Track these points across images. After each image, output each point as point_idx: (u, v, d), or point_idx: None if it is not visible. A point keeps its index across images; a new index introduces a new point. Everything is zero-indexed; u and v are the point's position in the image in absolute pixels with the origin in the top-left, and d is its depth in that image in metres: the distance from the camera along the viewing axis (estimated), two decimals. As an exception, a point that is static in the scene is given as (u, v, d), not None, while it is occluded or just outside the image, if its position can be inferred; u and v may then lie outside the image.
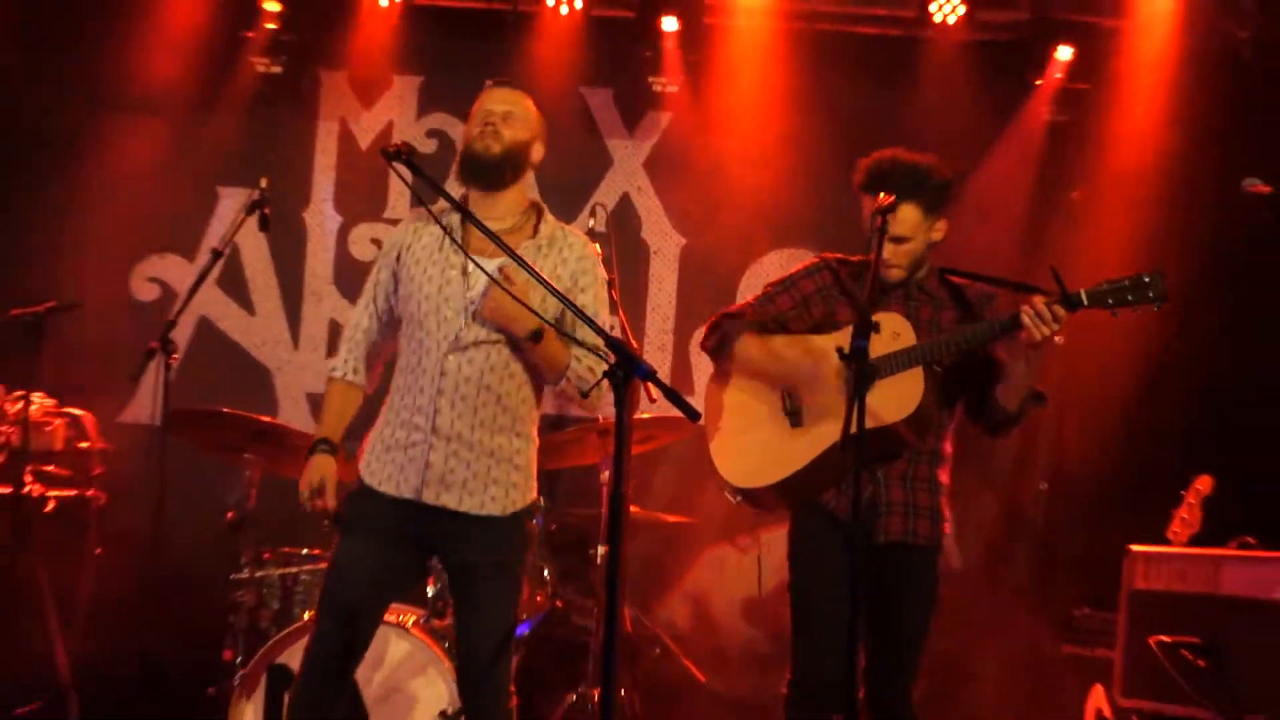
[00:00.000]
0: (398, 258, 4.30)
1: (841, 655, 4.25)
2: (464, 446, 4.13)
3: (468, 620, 4.27)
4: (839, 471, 4.27)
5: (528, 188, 4.35)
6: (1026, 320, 4.04)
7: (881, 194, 4.14)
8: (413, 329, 4.22)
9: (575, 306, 3.86)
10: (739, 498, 4.46)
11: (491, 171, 4.19)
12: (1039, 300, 4.03)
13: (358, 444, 4.32)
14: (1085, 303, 4.05)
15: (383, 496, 4.19)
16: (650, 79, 6.95)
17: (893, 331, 4.17)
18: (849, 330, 4.25)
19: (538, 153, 4.33)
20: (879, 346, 4.10)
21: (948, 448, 4.43)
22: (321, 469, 4.23)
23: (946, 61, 6.73)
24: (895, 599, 4.27)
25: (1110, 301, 4.05)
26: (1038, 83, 6.76)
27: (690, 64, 6.90)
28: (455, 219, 4.22)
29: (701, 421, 4.36)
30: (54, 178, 6.82)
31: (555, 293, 3.77)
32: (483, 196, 4.23)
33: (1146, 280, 4.03)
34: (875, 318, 4.13)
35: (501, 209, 4.21)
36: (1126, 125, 6.64)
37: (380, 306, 4.34)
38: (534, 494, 4.32)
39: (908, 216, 4.29)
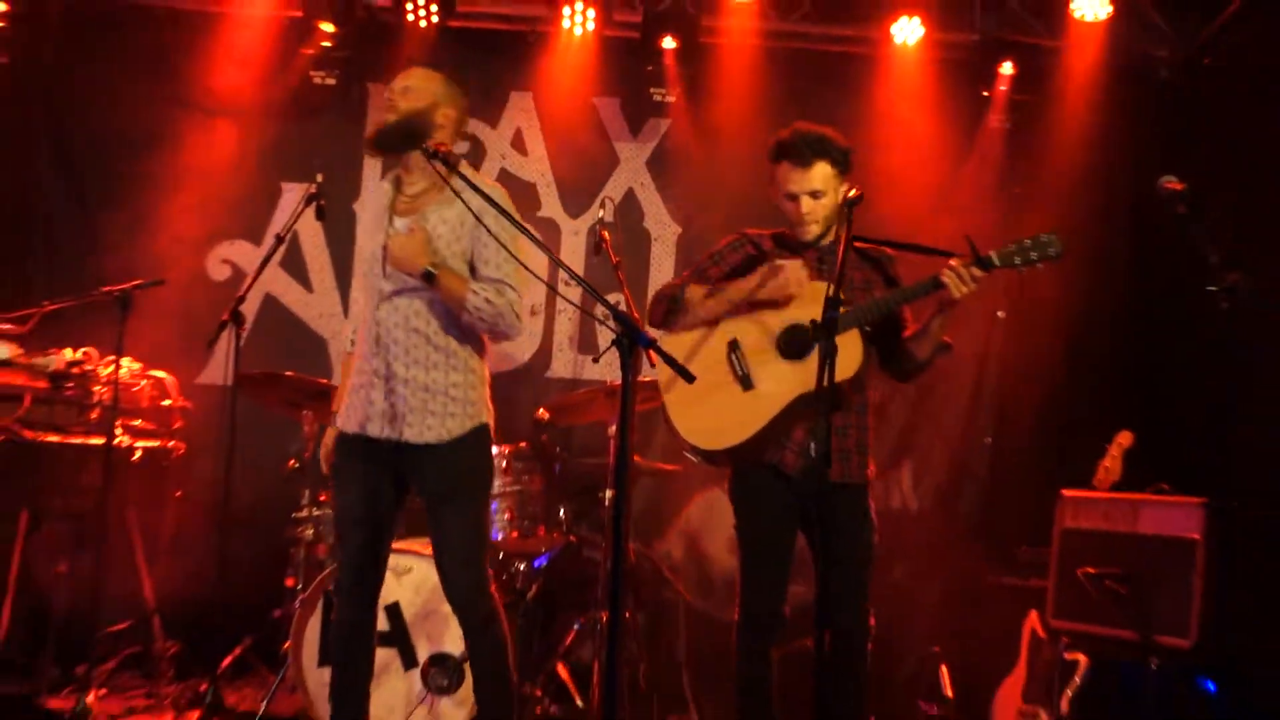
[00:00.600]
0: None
1: (782, 591, 4.30)
2: (400, 384, 4.14)
3: (434, 538, 4.28)
4: (786, 427, 4.25)
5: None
6: (947, 281, 4.04)
7: (853, 190, 4.11)
8: (364, 289, 4.30)
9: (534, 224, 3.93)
10: (698, 457, 4.41)
11: (389, 139, 4.18)
12: (956, 263, 4.03)
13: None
14: (996, 263, 4.03)
15: (350, 439, 4.24)
16: (652, 90, 6.92)
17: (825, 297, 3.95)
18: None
19: (445, 115, 4.26)
20: (814, 312, 3.99)
21: (871, 395, 4.41)
22: (328, 443, 4.40)
23: (907, 77, 6.69)
24: (838, 533, 4.23)
25: (1017, 260, 4.03)
26: (986, 94, 6.73)
27: (686, 78, 6.88)
28: (390, 191, 4.29)
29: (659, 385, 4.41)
30: (141, 173, 6.82)
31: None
32: (404, 168, 4.23)
33: (1045, 240, 4.02)
34: (810, 285, 4.23)
35: (416, 173, 4.20)
36: (1062, 130, 6.61)
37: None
38: (478, 420, 4.25)
39: (821, 173, 4.29)
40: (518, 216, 3.97)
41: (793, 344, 4.27)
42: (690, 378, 3.66)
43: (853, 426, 4.34)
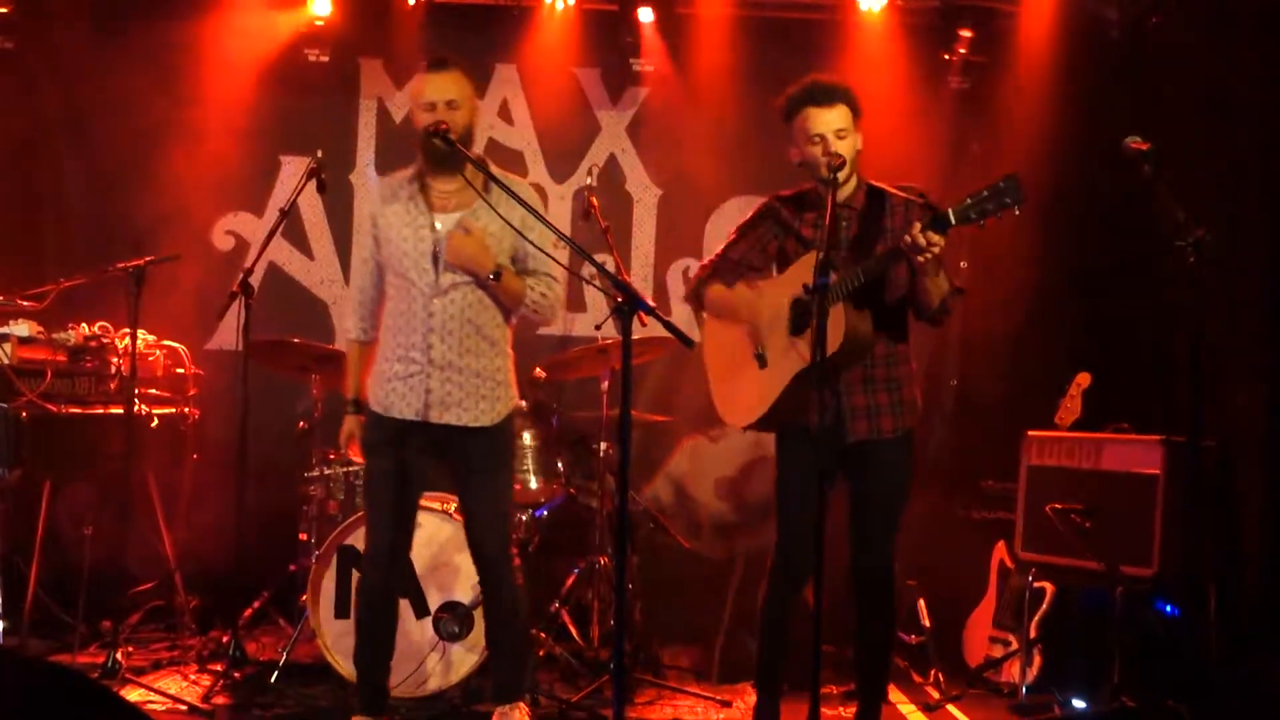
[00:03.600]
0: (374, 223, 4.21)
1: (811, 540, 4.23)
2: (455, 372, 4.10)
3: (473, 508, 4.28)
4: (803, 396, 4.08)
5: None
6: (905, 249, 3.81)
7: (831, 158, 4.01)
8: (398, 280, 4.15)
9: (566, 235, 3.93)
10: (745, 430, 4.33)
11: (450, 159, 4.05)
12: (914, 228, 3.77)
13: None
14: (953, 221, 3.74)
15: (392, 420, 4.15)
16: (631, 60, 6.80)
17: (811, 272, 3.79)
18: (795, 268, 4.16)
19: (478, 119, 4.23)
20: (800, 290, 3.92)
21: (901, 348, 4.23)
22: (348, 428, 4.34)
23: (872, 41, 6.58)
24: (869, 486, 4.17)
25: (973, 215, 3.71)
26: (947, 57, 6.63)
27: (663, 48, 6.75)
28: (413, 186, 4.16)
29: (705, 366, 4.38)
30: (151, 154, 6.63)
31: (545, 223, 3.91)
32: (431, 168, 4.14)
33: (1002, 186, 3.67)
34: (802, 261, 4.09)
35: (445, 175, 4.11)
36: (1018, 90, 6.53)
37: (371, 268, 4.27)
38: (515, 401, 4.31)
39: (843, 115, 4.08)
40: (538, 209, 3.99)
41: (796, 319, 4.13)
42: (690, 343, 3.58)
43: (881, 382, 4.17)
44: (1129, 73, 6.34)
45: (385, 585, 4.31)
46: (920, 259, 3.81)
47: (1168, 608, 5.07)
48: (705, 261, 4.44)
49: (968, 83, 6.65)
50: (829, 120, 4.08)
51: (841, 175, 4.04)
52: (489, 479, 4.26)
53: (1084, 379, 5.45)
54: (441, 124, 3.94)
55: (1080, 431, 5.36)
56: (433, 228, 4.12)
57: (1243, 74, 5.39)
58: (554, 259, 4.14)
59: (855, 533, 4.23)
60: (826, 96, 4.09)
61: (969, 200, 3.74)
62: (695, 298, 4.42)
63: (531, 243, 4.11)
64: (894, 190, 4.21)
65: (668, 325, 3.51)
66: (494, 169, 4.14)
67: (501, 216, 4.03)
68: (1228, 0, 5.62)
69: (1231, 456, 5.16)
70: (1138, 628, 5.00)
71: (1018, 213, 3.71)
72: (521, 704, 4.40)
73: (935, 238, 3.77)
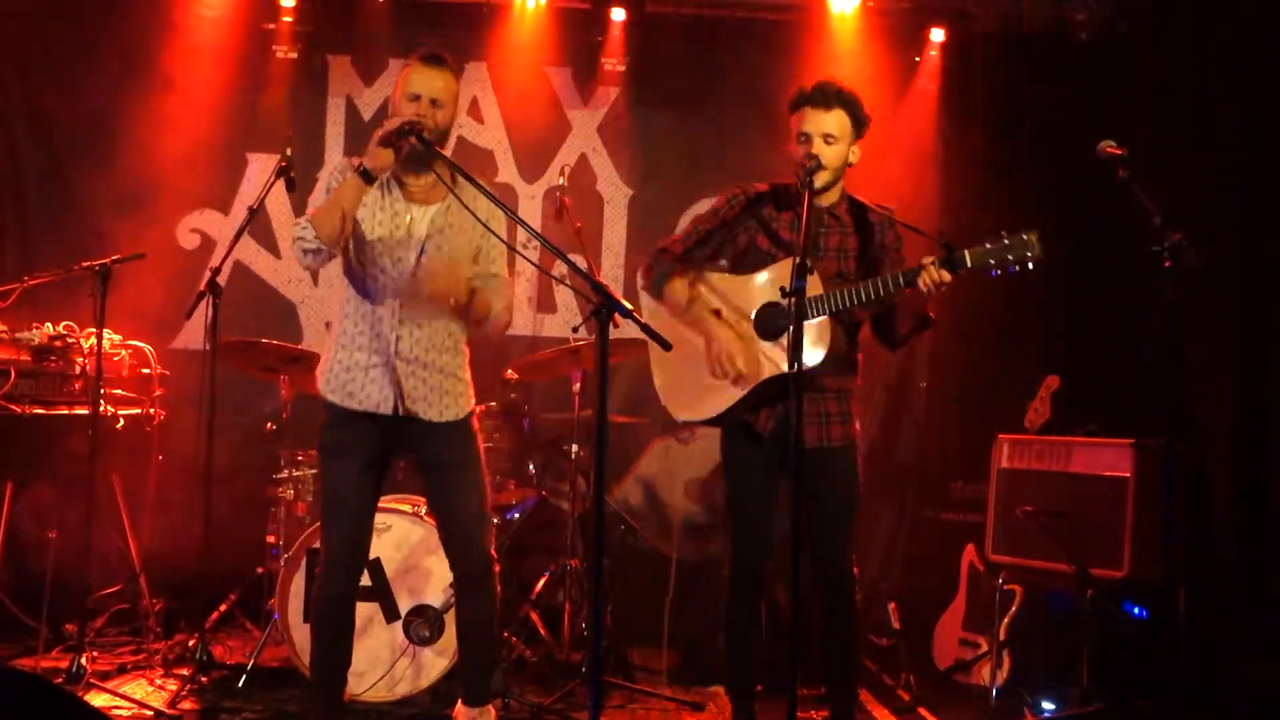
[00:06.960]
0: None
1: (768, 544, 4.22)
2: (421, 367, 4.04)
3: (444, 506, 4.20)
4: (758, 402, 4.14)
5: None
6: (922, 283, 3.81)
7: (809, 158, 3.99)
8: (367, 267, 4.03)
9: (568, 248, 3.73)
10: (684, 422, 4.35)
11: (422, 158, 3.95)
12: (930, 267, 3.79)
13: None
14: (969, 265, 3.79)
15: (354, 415, 4.06)
16: (602, 59, 6.77)
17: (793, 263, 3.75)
18: (774, 267, 4.13)
19: (456, 120, 4.14)
20: (777, 292, 3.92)
21: (851, 360, 4.25)
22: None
23: (842, 41, 6.58)
24: (822, 492, 4.15)
25: (991, 261, 3.78)
26: (917, 59, 6.65)
27: (634, 47, 6.73)
28: (389, 175, 4.01)
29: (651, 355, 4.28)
30: (115, 150, 6.53)
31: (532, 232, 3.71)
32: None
33: (1024, 240, 3.75)
34: (782, 264, 4.05)
35: (428, 174, 4.03)
36: (987, 92, 6.57)
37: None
38: (473, 396, 4.23)
39: (839, 119, 4.06)
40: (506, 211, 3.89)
41: (766, 324, 4.12)
42: (667, 345, 3.55)
43: (831, 392, 4.18)
44: (1098, 75, 6.38)
45: (348, 594, 4.18)
46: (934, 293, 3.83)
47: (1136, 610, 5.11)
48: (668, 246, 4.31)
49: (937, 85, 6.65)
50: (820, 122, 4.06)
51: (819, 180, 4.01)
52: (462, 475, 4.14)
53: (1053, 381, 5.47)
54: (418, 122, 3.86)
55: (1050, 435, 5.38)
56: (410, 221, 4.03)
57: (1212, 78, 5.42)
58: (525, 258, 4.13)
59: (814, 539, 4.19)
60: (824, 99, 4.07)
61: (988, 246, 3.78)
62: (655, 289, 4.31)
63: (501, 241, 4.05)
64: (872, 206, 4.19)
65: (644, 328, 3.49)
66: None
67: (475, 213, 3.94)
68: (1196, 4, 5.65)
69: (1201, 459, 5.20)
70: (1107, 630, 5.03)
71: (1031, 268, 3.76)
72: (490, 708, 4.34)
73: (947, 277, 3.79)
